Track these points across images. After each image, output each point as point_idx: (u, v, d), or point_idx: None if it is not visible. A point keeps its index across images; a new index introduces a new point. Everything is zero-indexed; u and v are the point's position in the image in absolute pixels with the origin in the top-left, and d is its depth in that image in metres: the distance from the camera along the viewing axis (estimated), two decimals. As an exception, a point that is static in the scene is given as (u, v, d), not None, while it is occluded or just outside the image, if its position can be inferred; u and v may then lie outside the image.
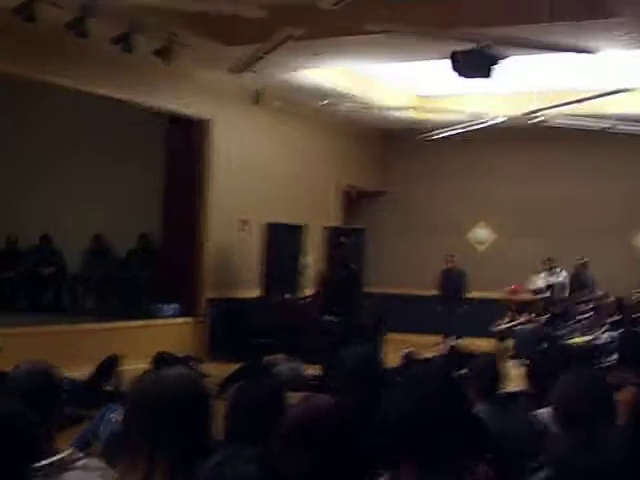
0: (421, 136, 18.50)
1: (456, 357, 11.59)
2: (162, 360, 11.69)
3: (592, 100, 15.15)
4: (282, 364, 12.73)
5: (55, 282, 16.30)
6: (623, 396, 5.42)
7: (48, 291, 16.35)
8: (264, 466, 2.04)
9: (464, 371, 5.50)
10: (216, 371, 12.84)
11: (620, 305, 15.86)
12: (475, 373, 5.21)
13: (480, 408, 4.95)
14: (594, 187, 19.46)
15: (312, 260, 17.12)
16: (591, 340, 15.33)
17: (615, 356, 13.69)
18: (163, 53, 12.58)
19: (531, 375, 5.69)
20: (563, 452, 2.06)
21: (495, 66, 9.81)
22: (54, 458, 3.16)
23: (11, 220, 16.68)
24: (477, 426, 4.53)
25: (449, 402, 3.72)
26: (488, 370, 5.24)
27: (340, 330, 11.13)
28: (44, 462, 3.06)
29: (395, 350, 13.40)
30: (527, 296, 18.11)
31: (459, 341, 17.53)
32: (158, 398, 2.64)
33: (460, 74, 10.00)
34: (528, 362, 6.38)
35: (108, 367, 11.20)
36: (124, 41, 11.96)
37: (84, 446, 8.00)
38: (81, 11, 11.19)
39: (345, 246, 12.40)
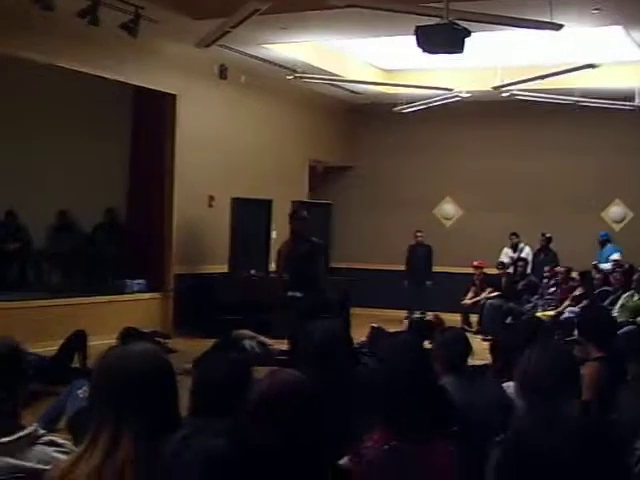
0: (392, 110, 18.53)
1: (420, 331, 11.63)
2: (128, 335, 11.69)
3: (558, 76, 15.21)
4: (250, 339, 12.78)
5: (20, 258, 16.17)
6: (585, 371, 5.49)
7: (13, 267, 16.23)
8: (232, 439, 2.05)
9: (429, 344, 5.52)
10: (183, 347, 12.85)
11: (585, 279, 15.96)
12: (443, 346, 5.24)
13: (447, 381, 4.98)
14: (562, 161, 19.56)
15: (278, 235, 17.13)
16: (555, 314, 15.45)
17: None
18: (130, 27, 12.49)
19: (496, 349, 5.73)
20: (522, 428, 2.06)
21: (466, 40, 9.76)
22: (19, 434, 3.15)
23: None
24: (444, 398, 4.56)
25: (416, 375, 3.75)
26: (456, 343, 5.27)
27: (305, 305, 11.07)
28: (9, 438, 3.06)
29: (362, 325, 13.44)
30: (491, 271, 18.20)
31: (422, 316, 17.59)
32: (123, 372, 2.64)
33: (424, 50, 9.95)
34: (493, 336, 6.44)
35: (75, 343, 11.17)
36: (90, 15, 11.87)
37: (51, 422, 8.01)
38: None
39: (307, 220, 12.24)
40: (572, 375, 3.71)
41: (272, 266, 16.60)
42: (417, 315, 17.23)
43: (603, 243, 17.89)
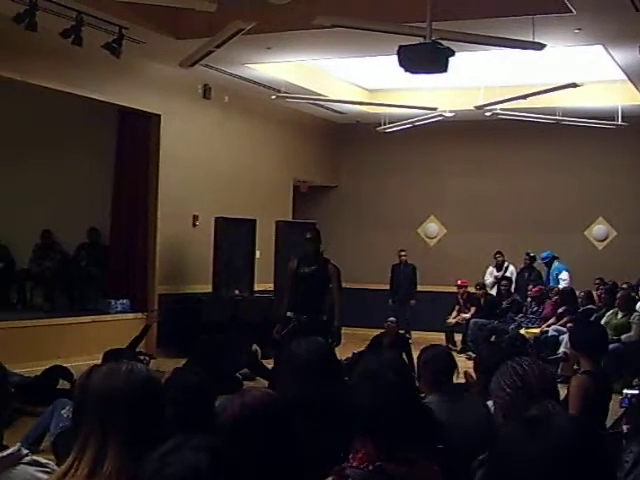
0: (376, 129, 18.59)
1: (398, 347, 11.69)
2: (113, 356, 11.62)
3: (540, 95, 15.28)
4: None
5: (3, 278, 16.12)
6: (574, 383, 5.49)
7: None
8: (212, 455, 2.05)
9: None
10: (167, 367, 12.79)
11: (567, 297, 15.98)
12: (427, 364, 5.22)
13: (431, 399, 4.97)
14: (545, 180, 19.63)
15: (261, 255, 17.14)
16: (539, 332, 15.46)
17: (562, 348, 13.85)
18: (113, 47, 12.49)
19: (480, 367, 5.72)
20: (504, 438, 2.01)
21: (450, 59, 9.76)
22: (2, 454, 3.13)
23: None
24: (428, 417, 4.55)
25: (400, 394, 3.74)
26: (440, 361, 5.25)
27: (298, 325, 10.88)
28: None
29: (345, 344, 13.41)
30: (474, 290, 18.24)
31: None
32: (111, 390, 2.63)
33: (407, 69, 9.95)
34: (477, 354, 6.43)
35: (59, 373, 11.05)
36: (74, 34, 11.85)
37: (35, 442, 7.97)
38: (30, 4, 11.09)
39: (309, 240, 11.89)
40: (550, 391, 3.68)
41: (258, 286, 16.64)
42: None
43: (549, 264, 17.84)
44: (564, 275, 17.38)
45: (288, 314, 11.22)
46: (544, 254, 17.90)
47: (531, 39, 11.33)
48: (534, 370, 3.53)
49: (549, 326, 15.49)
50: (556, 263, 17.72)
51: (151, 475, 2.07)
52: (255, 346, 13.59)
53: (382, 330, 14.61)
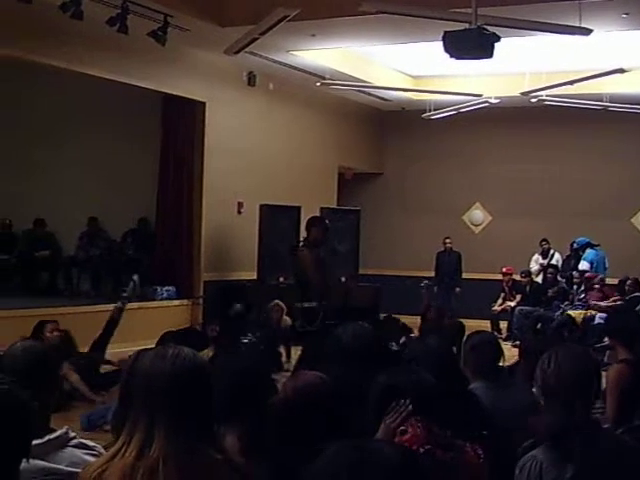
0: (421, 116, 18.53)
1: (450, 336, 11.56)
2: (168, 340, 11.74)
3: (587, 80, 15.15)
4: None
5: (50, 265, 16.27)
6: (610, 373, 5.44)
7: (43, 274, 16.32)
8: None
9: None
10: (212, 353, 12.84)
11: (618, 286, 15.85)
12: (473, 350, 5.20)
13: (476, 386, 4.95)
14: (591, 167, 19.45)
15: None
16: (586, 315, 15.33)
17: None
18: (158, 35, 12.56)
19: (526, 353, 5.70)
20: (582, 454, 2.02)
21: (495, 45, 9.68)
22: (49, 437, 3.17)
23: (5, 204, 16.64)
24: (473, 403, 4.54)
25: (446, 380, 3.74)
26: (486, 347, 5.23)
27: (328, 313, 10.83)
28: (40, 441, 3.07)
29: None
30: (519, 278, 18.13)
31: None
32: (158, 374, 2.64)
33: (452, 55, 9.89)
34: (523, 341, 6.40)
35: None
36: (119, 23, 11.93)
37: (96, 423, 8.18)
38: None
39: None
40: (589, 378, 3.65)
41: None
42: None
43: (582, 250, 17.54)
44: (581, 264, 17.12)
45: (307, 305, 11.19)
46: (577, 240, 17.67)
47: (578, 24, 11.19)
48: (566, 361, 3.53)
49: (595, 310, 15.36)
50: (589, 250, 17.41)
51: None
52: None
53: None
